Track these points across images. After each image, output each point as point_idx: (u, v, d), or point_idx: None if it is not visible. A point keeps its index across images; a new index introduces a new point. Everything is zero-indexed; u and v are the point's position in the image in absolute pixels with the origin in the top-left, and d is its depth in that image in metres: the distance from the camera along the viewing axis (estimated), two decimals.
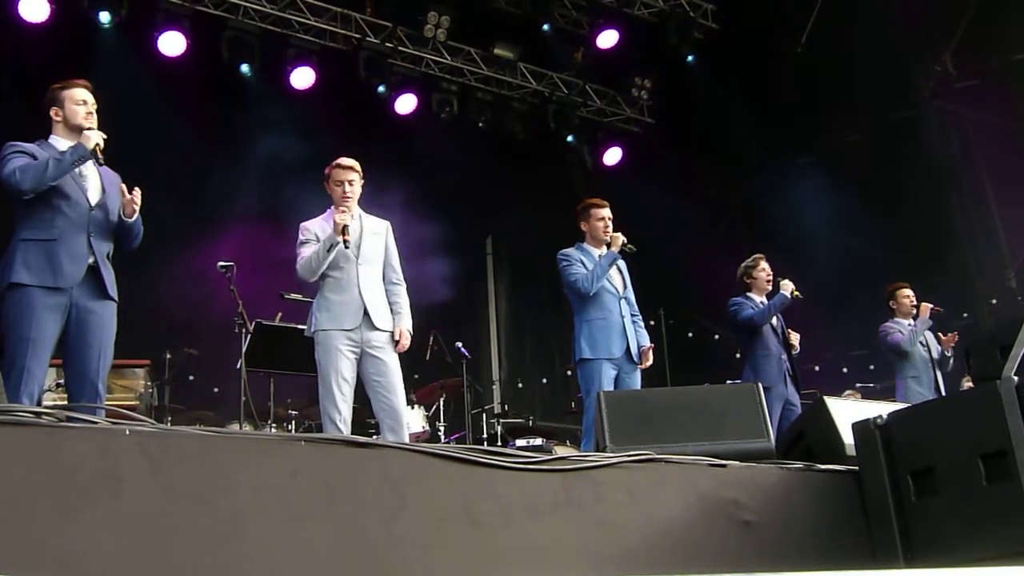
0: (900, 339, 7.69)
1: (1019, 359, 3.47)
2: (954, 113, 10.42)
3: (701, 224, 11.68)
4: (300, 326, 7.31)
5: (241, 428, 6.78)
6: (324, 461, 2.65)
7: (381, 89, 11.42)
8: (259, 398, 7.64)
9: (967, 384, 7.41)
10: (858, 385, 9.30)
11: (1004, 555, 3.06)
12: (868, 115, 10.94)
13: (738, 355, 7.27)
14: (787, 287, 7.19)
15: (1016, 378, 3.32)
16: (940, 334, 7.83)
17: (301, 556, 2.47)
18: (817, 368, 10.57)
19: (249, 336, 7.19)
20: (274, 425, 8.00)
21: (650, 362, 6.03)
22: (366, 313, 5.28)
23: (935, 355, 7.66)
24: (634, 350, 6.02)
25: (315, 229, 5.50)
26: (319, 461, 2.64)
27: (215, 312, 7.98)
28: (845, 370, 10.88)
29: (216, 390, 9.34)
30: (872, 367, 9.75)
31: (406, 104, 11.59)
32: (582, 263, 6.01)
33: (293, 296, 7.10)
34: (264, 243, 8.59)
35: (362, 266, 5.43)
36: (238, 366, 7.10)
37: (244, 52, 10.55)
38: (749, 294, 7.46)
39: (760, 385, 4.17)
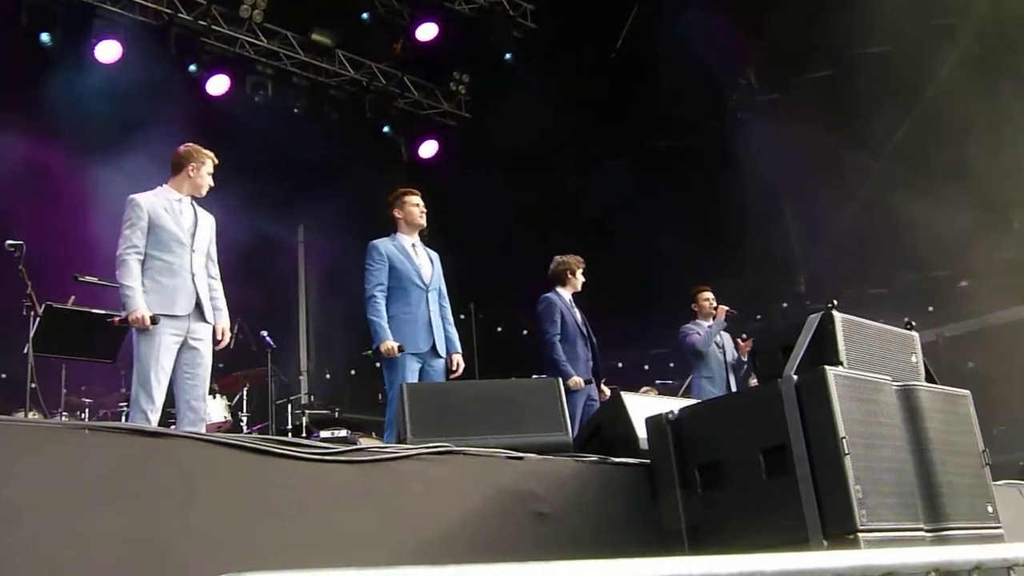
0: (696, 340, 7.95)
1: (799, 359, 3.64)
2: (756, 124, 10.73)
3: (514, 221, 11.67)
4: (96, 310, 6.93)
5: (27, 416, 6.42)
6: (110, 451, 2.55)
7: (192, 68, 11.07)
8: (51, 385, 7.38)
9: (754, 383, 7.77)
10: (657, 382, 9.54)
11: (781, 543, 3.18)
12: (679, 121, 11.24)
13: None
14: (722, 312, 7.83)
15: (795, 376, 3.49)
16: (739, 339, 8.23)
17: (83, 548, 2.38)
18: (620, 365, 10.97)
19: (38, 320, 6.81)
20: (65, 414, 7.74)
21: (459, 369, 6.03)
22: (198, 303, 5.22)
23: (730, 358, 8.03)
24: (440, 345, 6.03)
25: (147, 205, 5.34)
26: (105, 451, 2.54)
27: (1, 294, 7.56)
28: (647, 367, 11.21)
29: (3, 376, 8.89)
30: (672, 365, 10.08)
31: (218, 85, 11.27)
32: (390, 259, 6.02)
33: (88, 278, 6.82)
34: (61, 221, 8.41)
35: (195, 254, 5.35)
36: (25, 351, 6.70)
37: (44, 20, 10.00)
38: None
39: (560, 381, 4.25)
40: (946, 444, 3.82)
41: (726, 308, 7.99)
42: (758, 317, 10.57)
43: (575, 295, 7.29)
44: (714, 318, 7.72)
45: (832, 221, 10.42)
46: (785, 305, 10.96)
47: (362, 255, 6.21)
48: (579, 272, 7.26)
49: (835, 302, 3.90)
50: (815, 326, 3.77)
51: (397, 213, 6.24)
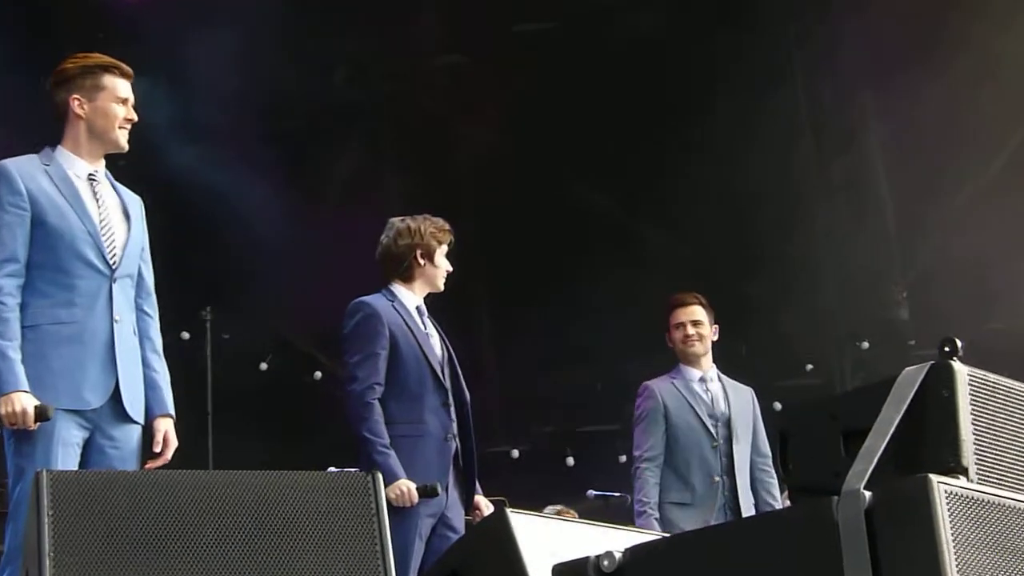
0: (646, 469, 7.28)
1: (876, 457, 2.95)
2: None
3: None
4: None
5: None
6: None
7: None
8: None
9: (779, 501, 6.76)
10: (592, 493, 8.42)
11: None
12: None
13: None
14: None
15: (867, 493, 2.79)
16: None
17: None
18: (516, 455, 9.63)
19: None
20: None
21: (167, 446, 4.70)
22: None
23: (742, 456, 6.94)
24: (130, 397, 4.59)
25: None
26: None
27: None
28: (572, 460, 9.90)
29: None
30: (623, 459, 9.11)
31: None
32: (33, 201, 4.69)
33: None
34: None
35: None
36: None
37: None
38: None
39: (378, 481, 3.05)
40: None
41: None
42: (807, 367, 10.06)
43: (432, 300, 5.72)
44: (695, 361, 6.75)
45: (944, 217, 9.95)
46: (866, 345, 9.81)
47: None
48: (441, 250, 5.87)
49: (955, 344, 3.05)
50: (914, 389, 3.08)
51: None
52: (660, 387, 6.71)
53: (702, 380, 6.73)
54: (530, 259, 10.30)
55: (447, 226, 5.75)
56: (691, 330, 6.60)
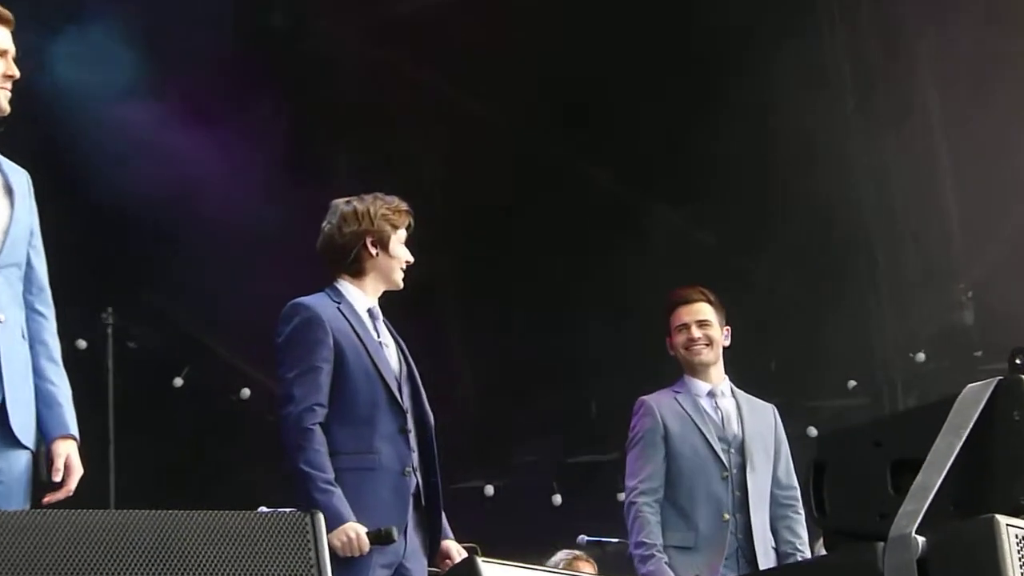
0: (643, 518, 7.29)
1: (931, 496, 3.10)
2: None
3: None
4: None
5: None
6: None
7: None
8: None
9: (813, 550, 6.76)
10: (585, 538, 8.44)
11: None
12: None
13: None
14: None
15: (920, 539, 3.03)
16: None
17: None
18: (490, 491, 9.58)
19: None
20: None
21: (69, 477, 4.81)
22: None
23: (759, 490, 7.07)
24: (19, 417, 4.79)
25: None
26: None
27: None
28: (560, 500, 9.94)
29: None
30: (621, 497, 9.14)
31: None
32: None
33: None
34: None
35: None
36: None
37: None
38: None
39: (318, 523, 3.48)
40: None
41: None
42: (850, 384, 10.13)
43: (388, 300, 5.82)
44: (702, 372, 6.81)
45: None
46: (921, 357, 9.80)
47: None
48: (398, 236, 5.91)
49: None
50: (978, 411, 3.22)
51: None
52: (660, 403, 6.66)
53: (711, 395, 6.69)
54: (510, 250, 10.33)
55: (404, 206, 5.71)
56: (696, 332, 6.59)
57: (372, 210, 5.67)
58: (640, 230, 10.13)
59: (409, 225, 5.75)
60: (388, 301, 5.63)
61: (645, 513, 6.48)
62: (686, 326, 6.57)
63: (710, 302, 6.65)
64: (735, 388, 6.74)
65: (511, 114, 10.44)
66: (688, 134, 9.92)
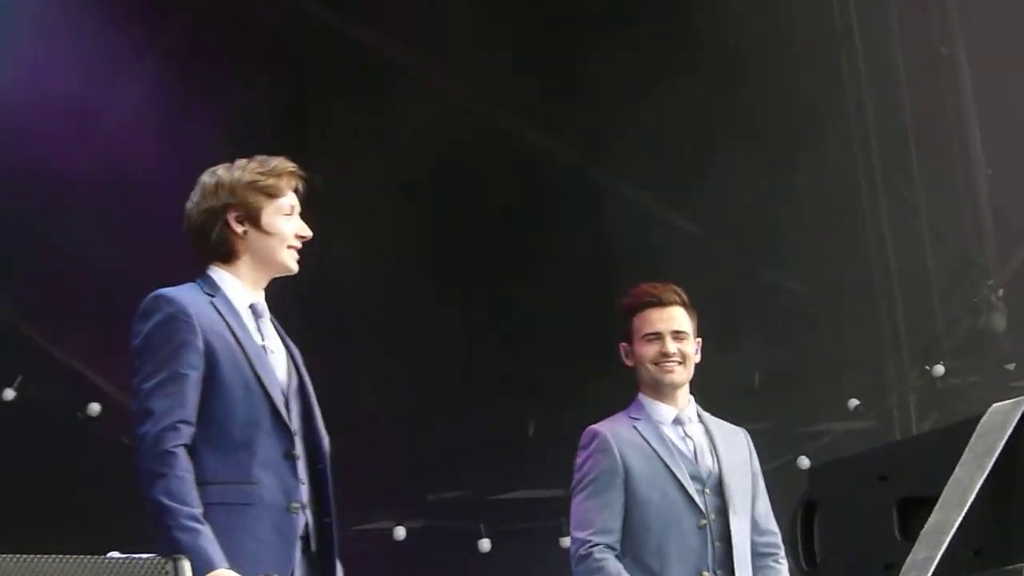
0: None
1: (947, 540, 3.11)
2: None
3: None
4: None
5: None
6: None
7: None
8: None
9: None
10: None
11: None
12: None
13: None
14: None
15: None
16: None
17: None
18: (402, 535, 10.33)
19: None
20: None
21: None
22: None
23: (739, 533, 7.19)
24: None
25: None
26: None
27: None
28: (487, 540, 10.19)
29: None
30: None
31: None
32: None
33: None
34: None
35: None
36: None
37: None
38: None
39: (187, 567, 3.92)
40: None
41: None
42: (851, 404, 10.16)
43: (278, 291, 5.89)
44: (669, 395, 6.85)
45: None
46: (940, 371, 9.90)
47: None
48: (275, 206, 5.89)
49: None
50: (1004, 437, 3.24)
51: None
52: (617, 436, 6.59)
53: (677, 422, 6.65)
54: (433, 235, 10.40)
55: (288, 166, 5.73)
56: (671, 346, 6.53)
57: (236, 179, 5.68)
58: (600, 209, 10.35)
59: (298, 188, 5.75)
60: (279, 290, 5.59)
61: (607, 565, 6.43)
62: (658, 336, 6.51)
63: (685, 306, 6.58)
64: (701, 411, 6.74)
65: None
66: (650, 103, 10.14)
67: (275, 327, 5.77)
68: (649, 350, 6.54)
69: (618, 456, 6.57)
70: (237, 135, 8.87)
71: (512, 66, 10.82)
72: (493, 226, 10.08)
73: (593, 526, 6.55)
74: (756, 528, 6.70)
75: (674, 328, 6.52)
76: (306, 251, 5.75)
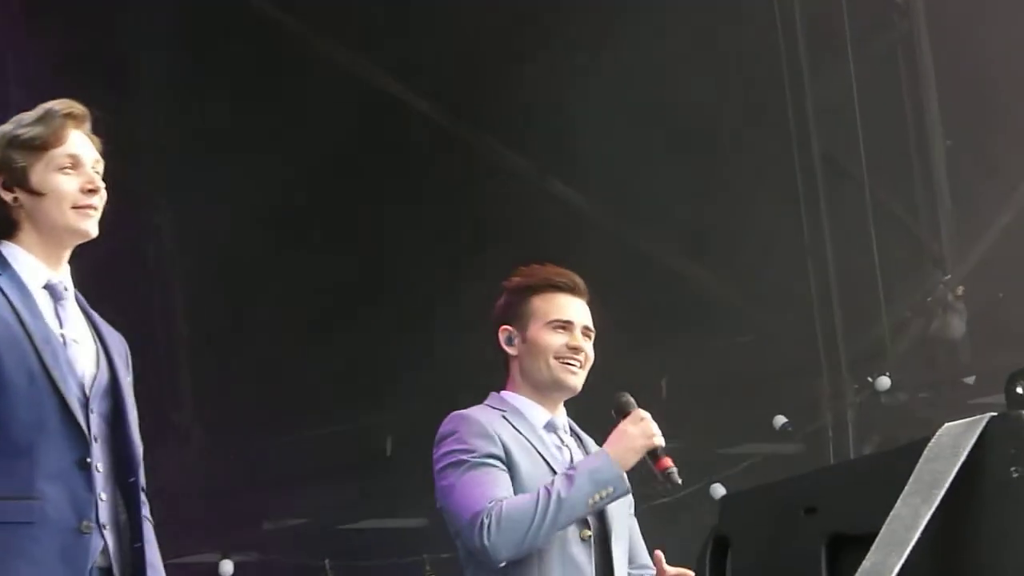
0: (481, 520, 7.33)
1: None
2: None
3: None
4: None
5: None
6: None
7: None
8: None
9: None
10: None
11: None
12: None
13: None
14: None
15: None
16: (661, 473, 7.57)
17: None
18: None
19: None
20: None
21: None
22: None
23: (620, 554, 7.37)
24: None
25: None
26: None
27: None
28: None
29: None
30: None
31: None
32: None
33: None
34: None
35: None
36: None
37: None
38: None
39: None
40: None
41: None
42: (778, 422, 10.27)
43: (84, 267, 5.90)
44: (552, 398, 6.87)
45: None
46: (885, 383, 10.03)
47: None
48: (49, 160, 5.91)
49: None
50: (958, 463, 3.25)
51: None
52: (491, 423, 6.49)
53: (550, 427, 6.60)
54: (289, 217, 10.44)
55: (59, 107, 5.65)
56: (580, 339, 6.48)
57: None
58: (461, 176, 10.70)
59: (89, 130, 5.77)
60: (85, 266, 5.70)
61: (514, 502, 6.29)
62: (568, 327, 6.45)
63: (589, 301, 6.54)
64: (572, 423, 6.71)
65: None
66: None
67: (85, 311, 5.73)
68: (554, 339, 6.41)
69: (499, 441, 6.45)
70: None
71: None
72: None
73: (487, 496, 6.31)
74: (633, 560, 6.75)
75: (585, 323, 6.40)
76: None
